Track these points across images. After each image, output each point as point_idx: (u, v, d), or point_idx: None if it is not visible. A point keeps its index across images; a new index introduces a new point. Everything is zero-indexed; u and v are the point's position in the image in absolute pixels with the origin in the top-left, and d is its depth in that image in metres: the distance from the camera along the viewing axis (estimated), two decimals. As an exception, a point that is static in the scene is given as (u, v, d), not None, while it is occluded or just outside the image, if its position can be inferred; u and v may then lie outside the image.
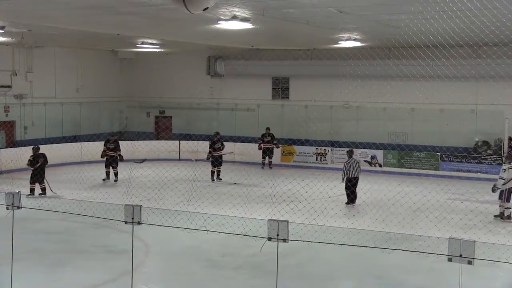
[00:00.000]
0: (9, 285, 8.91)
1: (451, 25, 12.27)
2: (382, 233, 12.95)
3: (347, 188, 16.36)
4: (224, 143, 21.81)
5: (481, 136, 22.22)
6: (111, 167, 20.33)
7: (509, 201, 14.76)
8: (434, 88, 19.72)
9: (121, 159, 20.59)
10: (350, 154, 17.11)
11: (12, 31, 17.10)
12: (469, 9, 10.96)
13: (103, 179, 20.25)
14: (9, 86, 23.54)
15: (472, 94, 21.83)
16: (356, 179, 16.51)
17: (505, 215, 14.78)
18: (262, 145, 23.60)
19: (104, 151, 20.50)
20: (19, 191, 9.01)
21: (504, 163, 15.72)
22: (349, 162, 16.71)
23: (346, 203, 16.52)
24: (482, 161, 21.19)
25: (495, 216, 15.00)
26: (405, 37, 13.51)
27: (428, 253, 8.97)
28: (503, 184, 14.62)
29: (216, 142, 20.98)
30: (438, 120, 22.68)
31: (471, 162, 21.05)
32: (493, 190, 14.85)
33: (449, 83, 19.41)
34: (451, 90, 20.12)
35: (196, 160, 21.01)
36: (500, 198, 14.91)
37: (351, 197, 16.44)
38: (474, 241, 6.41)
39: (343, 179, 16.49)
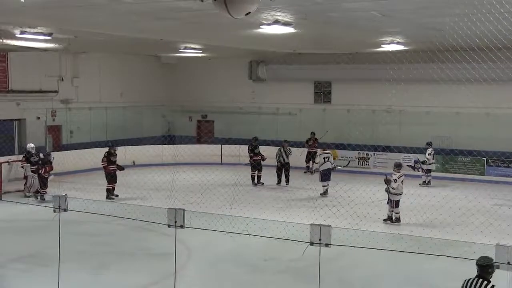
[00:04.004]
0: (56, 286, 9.10)
1: (498, 27, 12.01)
2: (426, 238, 12.72)
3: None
4: (265, 147, 21.88)
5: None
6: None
7: (323, 181, 18.52)
8: (480, 91, 19.27)
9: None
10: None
11: (59, 37, 17.49)
12: (517, 11, 10.72)
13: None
14: (56, 91, 24.07)
15: (520, 97, 21.35)
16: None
17: (323, 191, 18.49)
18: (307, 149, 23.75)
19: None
20: (65, 194, 9.19)
21: (318, 150, 19.95)
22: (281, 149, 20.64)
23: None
24: (530, 166, 20.68)
25: (320, 194, 18.52)
26: (450, 40, 13.29)
27: (474, 259, 8.77)
28: (319, 167, 18.82)
29: (256, 147, 21.01)
30: (483, 124, 22.21)
31: (519, 167, 20.57)
32: (311, 172, 19.81)
33: (495, 86, 18.96)
34: (497, 93, 19.70)
35: (245, 164, 21.18)
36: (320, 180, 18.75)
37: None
38: (523, 248, 6.26)
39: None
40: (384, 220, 14.93)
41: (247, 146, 21.42)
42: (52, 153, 19.04)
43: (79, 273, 10.91)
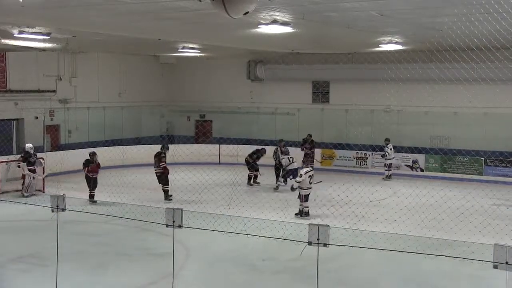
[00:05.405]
0: (54, 286, 9.09)
1: (496, 27, 12.02)
2: (424, 238, 12.74)
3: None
4: (264, 147, 21.94)
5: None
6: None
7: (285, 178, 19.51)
8: (478, 91, 19.29)
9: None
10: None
11: (57, 37, 17.47)
12: (515, 11, 10.72)
13: None
14: (54, 91, 24.04)
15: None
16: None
17: (275, 187, 19.70)
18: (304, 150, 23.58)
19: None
20: (63, 194, 9.18)
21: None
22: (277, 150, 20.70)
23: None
24: (528, 166, 20.69)
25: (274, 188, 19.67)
26: (448, 40, 13.30)
27: (472, 259, 8.78)
28: (286, 166, 19.25)
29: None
30: (482, 124, 22.22)
31: (517, 167, 20.58)
32: (282, 170, 19.58)
33: (494, 86, 18.97)
34: (495, 93, 19.69)
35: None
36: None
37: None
38: (521, 248, 6.26)
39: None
40: (296, 214, 15.51)
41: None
42: (94, 149, 18.70)
43: (77, 273, 10.91)
